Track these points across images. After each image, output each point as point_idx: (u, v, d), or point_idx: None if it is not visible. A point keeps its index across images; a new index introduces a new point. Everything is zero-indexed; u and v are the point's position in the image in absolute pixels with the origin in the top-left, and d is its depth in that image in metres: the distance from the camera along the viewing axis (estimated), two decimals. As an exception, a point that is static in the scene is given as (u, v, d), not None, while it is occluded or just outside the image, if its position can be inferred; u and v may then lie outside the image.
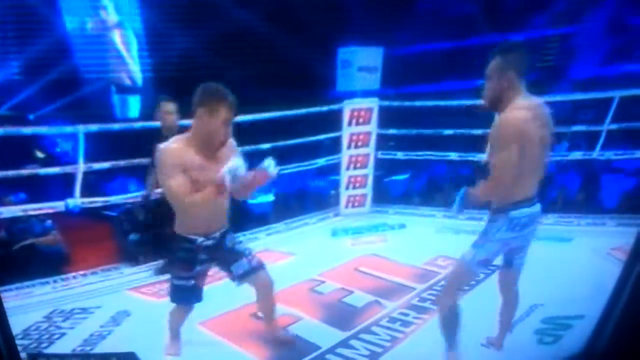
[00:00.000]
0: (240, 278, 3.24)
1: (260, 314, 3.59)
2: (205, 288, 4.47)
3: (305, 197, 7.04)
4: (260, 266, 3.27)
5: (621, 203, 5.78)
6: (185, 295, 3.21)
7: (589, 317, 3.54)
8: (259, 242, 5.51)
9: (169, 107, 4.81)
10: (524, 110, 2.77)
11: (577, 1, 7.22)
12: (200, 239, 3.08)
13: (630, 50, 7.02)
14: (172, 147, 2.87)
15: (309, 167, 6.54)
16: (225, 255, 3.20)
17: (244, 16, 6.64)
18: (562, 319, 3.73)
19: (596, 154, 6.02)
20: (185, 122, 5.28)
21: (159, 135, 4.73)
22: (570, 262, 4.59)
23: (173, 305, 3.32)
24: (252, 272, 3.22)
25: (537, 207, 2.99)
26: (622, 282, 2.84)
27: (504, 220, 2.92)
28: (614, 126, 5.90)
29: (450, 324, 3.12)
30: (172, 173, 2.80)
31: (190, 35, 6.52)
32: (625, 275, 2.83)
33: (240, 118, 5.72)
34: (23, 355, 3.22)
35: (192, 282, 3.16)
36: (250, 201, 6.77)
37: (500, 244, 3.01)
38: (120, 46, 6.42)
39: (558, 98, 6.37)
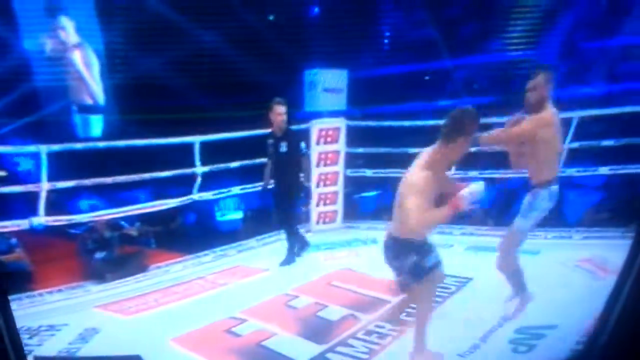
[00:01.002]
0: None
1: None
2: (176, 304, 4.52)
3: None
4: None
5: (585, 217, 5.92)
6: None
7: (561, 327, 3.70)
8: (230, 259, 5.44)
9: (281, 109, 5.23)
10: (553, 114, 3.73)
11: (537, 26, 7.48)
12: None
13: (587, 72, 7.29)
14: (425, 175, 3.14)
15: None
16: None
17: (212, 39, 6.62)
18: (535, 329, 3.80)
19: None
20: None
21: (269, 134, 5.34)
22: (539, 274, 4.64)
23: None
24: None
25: None
26: (616, 292, 2.91)
27: (546, 192, 3.76)
28: (575, 144, 6.09)
29: (518, 276, 3.97)
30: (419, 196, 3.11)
31: (155, 56, 6.45)
32: (619, 285, 2.89)
33: (210, 138, 5.84)
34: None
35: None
36: (219, 218, 6.74)
37: (543, 212, 3.82)
38: (81, 66, 6.28)
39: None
